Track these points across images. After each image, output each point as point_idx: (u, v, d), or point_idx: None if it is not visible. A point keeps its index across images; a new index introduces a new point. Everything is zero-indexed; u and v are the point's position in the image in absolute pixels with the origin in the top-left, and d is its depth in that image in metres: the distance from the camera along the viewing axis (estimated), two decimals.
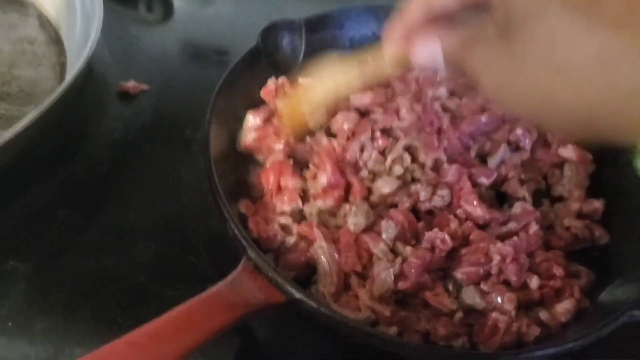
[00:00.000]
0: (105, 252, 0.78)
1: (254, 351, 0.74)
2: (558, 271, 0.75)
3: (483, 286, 0.72)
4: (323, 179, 0.80)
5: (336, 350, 0.73)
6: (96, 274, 0.76)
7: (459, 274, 0.74)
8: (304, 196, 0.81)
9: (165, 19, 1.17)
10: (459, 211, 0.80)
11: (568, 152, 0.88)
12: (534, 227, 0.78)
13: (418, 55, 0.60)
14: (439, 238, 0.75)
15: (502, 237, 0.77)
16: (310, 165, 0.83)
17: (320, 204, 0.79)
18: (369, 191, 0.82)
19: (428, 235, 0.75)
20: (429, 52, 0.58)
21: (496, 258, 0.73)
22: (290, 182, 0.79)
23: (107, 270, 0.77)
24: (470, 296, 0.72)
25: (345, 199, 0.80)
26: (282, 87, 0.91)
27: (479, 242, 0.76)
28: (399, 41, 0.62)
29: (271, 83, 0.90)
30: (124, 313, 0.73)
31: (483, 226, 0.79)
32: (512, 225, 0.79)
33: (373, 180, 0.83)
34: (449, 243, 0.74)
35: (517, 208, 0.81)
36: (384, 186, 0.81)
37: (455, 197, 0.81)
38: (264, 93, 0.90)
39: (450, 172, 0.83)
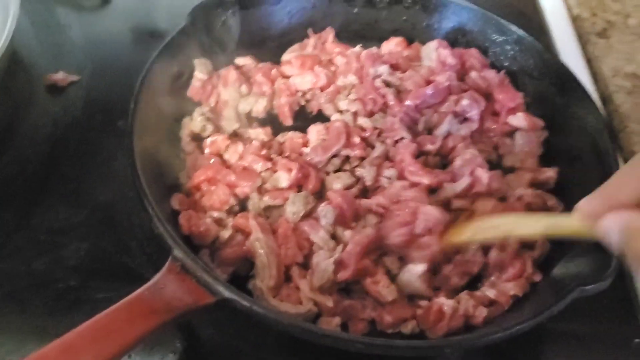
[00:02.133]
0: (35, 254, 0.75)
1: (197, 351, 0.70)
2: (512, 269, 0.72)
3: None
4: (284, 181, 0.76)
5: (281, 346, 0.70)
6: (26, 278, 0.73)
7: (390, 238, 0.71)
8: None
9: (103, 5, 1.11)
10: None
11: (518, 120, 0.85)
12: (480, 172, 0.76)
13: (604, 233, 0.53)
14: (374, 203, 0.73)
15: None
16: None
17: (270, 201, 0.76)
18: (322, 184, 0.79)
19: (365, 202, 0.74)
20: (616, 232, 0.52)
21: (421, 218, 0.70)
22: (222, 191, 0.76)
23: (37, 273, 0.73)
24: (409, 280, 0.69)
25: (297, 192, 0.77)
26: (210, 81, 0.86)
27: (409, 201, 0.73)
28: (595, 215, 0.54)
29: (196, 82, 0.86)
30: (55, 319, 0.69)
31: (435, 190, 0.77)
32: (462, 181, 0.76)
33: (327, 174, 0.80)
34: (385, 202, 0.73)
35: (458, 160, 0.79)
36: (336, 182, 0.78)
37: (400, 172, 0.78)
38: (191, 92, 0.85)
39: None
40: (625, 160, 0.84)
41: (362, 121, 0.83)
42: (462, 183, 0.75)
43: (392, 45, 0.95)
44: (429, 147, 0.81)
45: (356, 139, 0.80)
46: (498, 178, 0.77)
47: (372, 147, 0.81)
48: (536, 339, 0.72)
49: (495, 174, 0.77)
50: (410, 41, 0.96)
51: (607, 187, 0.54)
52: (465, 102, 0.84)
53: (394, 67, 0.89)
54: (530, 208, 0.79)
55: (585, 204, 0.56)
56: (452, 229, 0.72)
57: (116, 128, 0.87)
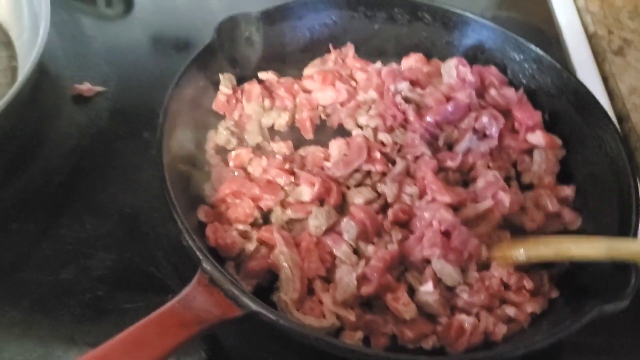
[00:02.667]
0: (62, 265, 0.76)
1: None
2: (528, 284, 0.73)
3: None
4: (306, 194, 0.78)
5: (303, 357, 0.71)
6: (53, 288, 0.74)
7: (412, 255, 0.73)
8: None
9: (125, 14, 1.13)
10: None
11: (537, 138, 0.86)
12: (502, 196, 0.77)
13: None
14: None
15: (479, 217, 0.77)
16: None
17: (292, 214, 0.77)
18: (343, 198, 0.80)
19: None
20: None
21: (435, 224, 0.73)
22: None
23: (63, 284, 0.74)
24: (425, 300, 0.71)
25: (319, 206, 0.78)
26: (234, 95, 0.88)
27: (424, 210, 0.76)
28: None
29: (221, 96, 0.87)
30: (82, 329, 0.71)
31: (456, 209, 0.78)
32: (485, 203, 0.78)
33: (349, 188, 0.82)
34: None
35: (480, 182, 0.80)
36: (358, 197, 0.79)
37: (422, 189, 0.79)
38: (216, 106, 0.87)
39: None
40: None
41: (383, 137, 0.85)
42: (485, 204, 0.77)
43: (412, 62, 0.96)
44: (450, 163, 0.83)
45: (377, 155, 0.81)
46: (519, 202, 0.79)
47: (393, 162, 0.82)
48: (554, 353, 0.73)
49: (516, 199, 0.78)
50: (429, 57, 0.97)
51: None
52: (485, 119, 0.85)
53: (414, 84, 0.91)
54: (549, 220, 0.81)
55: None
56: (504, 243, 0.74)
57: (142, 139, 0.88)
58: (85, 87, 0.93)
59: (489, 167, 0.85)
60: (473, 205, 0.77)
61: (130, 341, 0.57)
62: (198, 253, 0.64)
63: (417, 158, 0.83)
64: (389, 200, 0.78)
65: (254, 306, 0.61)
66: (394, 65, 0.94)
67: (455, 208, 0.77)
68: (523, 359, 0.64)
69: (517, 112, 0.88)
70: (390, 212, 0.76)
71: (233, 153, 0.83)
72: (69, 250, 0.77)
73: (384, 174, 0.81)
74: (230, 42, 0.87)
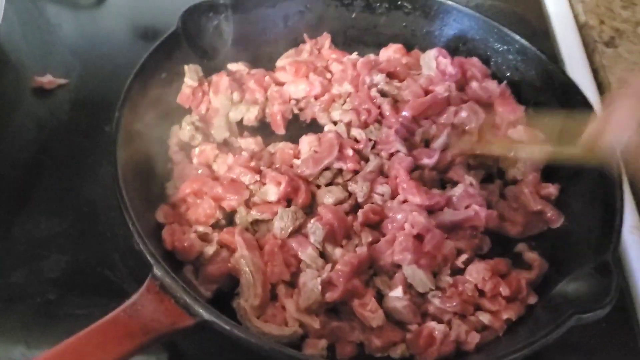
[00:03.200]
0: (14, 266, 0.72)
1: None
2: (504, 291, 0.69)
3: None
4: (272, 194, 0.74)
5: None
6: (3, 291, 0.70)
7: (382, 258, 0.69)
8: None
9: (99, 3, 1.08)
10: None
11: (518, 133, 0.82)
12: (477, 209, 0.73)
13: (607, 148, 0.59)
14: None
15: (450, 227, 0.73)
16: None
17: (258, 215, 0.73)
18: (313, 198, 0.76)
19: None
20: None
21: (407, 227, 0.70)
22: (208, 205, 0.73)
23: (15, 287, 0.71)
24: (394, 307, 0.67)
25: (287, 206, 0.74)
26: (201, 88, 0.84)
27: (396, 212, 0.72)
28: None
29: (186, 88, 0.83)
30: (31, 335, 0.67)
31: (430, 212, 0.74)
32: (461, 213, 0.74)
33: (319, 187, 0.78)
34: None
35: (458, 189, 0.76)
36: (328, 196, 0.75)
37: (394, 189, 0.75)
38: (180, 99, 0.83)
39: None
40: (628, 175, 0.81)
41: (356, 132, 0.81)
42: (461, 214, 0.73)
43: (391, 52, 0.92)
44: (426, 161, 0.79)
45: (349, 152, 0.77)
46: (494, 218, 0.75)
47: (366, 160, 0.78)
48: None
49: (491, 214, 0.75)
50: (409, 48, 0.93)
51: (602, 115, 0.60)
52: (464, 113, 0.81)
53: (392, 76, 0.86)
54: (531, 219, 0.77)
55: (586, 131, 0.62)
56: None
57: (103, 133, 0.84)
58: (47, 79, 0.89)
59: (469, 165, 0.81)
60: (450, 211, 0.73)
61: (68, 352, 0.53)
62: (149, 257, 0.60)
63: (391, 155, 0.79)
64: (359, 199, 0.74)
65: (206, 315, 0.57)
66: (370, 56, 0.90)
67: (429, 211, 0.73)
68: None
69: (499, 107, 0.84)
70: (360, 213, 0.72)
71: (197, 149, 0.78)
72: (21, 251, 0.74)
73: (356, 172, 0.77)
74: (196, 31, 0.83)
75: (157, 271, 0.59)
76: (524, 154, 0.72)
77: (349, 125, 0.82)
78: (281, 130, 0.84)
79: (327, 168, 0.77)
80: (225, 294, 0.68)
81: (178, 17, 0.81)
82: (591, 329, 0.69)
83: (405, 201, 0.73)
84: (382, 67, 0.87)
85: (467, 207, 0.74)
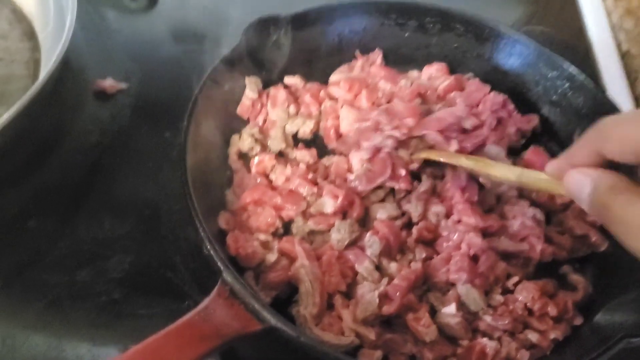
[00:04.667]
0: (79, 265, 0.75)
1: None
2: (552, 311, 0.71)
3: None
4: (329, 206, 0.76)
5: None
6: (68, 288, 0.73)
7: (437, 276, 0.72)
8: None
9: (148, 8, 1.11)
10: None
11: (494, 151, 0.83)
12: (534, 242, 0.75)
13: (568, 184, 0.56)
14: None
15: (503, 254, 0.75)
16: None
17: (314, 226, 0.76)
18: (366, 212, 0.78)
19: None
20: (577, 184, 0.54)
21: (464, 248, 0.72)
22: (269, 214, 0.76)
23: (80, 285, 0.73)
24: (447, 322, 0.69)
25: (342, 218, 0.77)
26: (260, 100, 0.86)
27: (451, 232, 0.75)
28: (558, 171, 0.58)
29: (246, 100, 0.86)
30: (96, 333, 0.70)
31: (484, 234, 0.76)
32: (519, 245, 0.76)
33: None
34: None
35: (517, 221, 0.77)
36: (381, 212, 0.77)
37: (449, 209, 0.77)
38: (240, 111, 0.86)
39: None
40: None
41: (403, 153, 0.82)
42: (517, 246, 0.75)
43: (433, 70, 0.94)
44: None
45: (402, 171, 0.79)
46: (549, 254, 0.77)
47: (418, 180, 0.81)
48: None
49: (546, 249, 0.76)
50: (459, 69, 0.95)
51: (569, 149, 0.57)
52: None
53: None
54: (577, 242, 0.79)
55: (550, 163, 0.60)
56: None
57: (163, 138, 0.87)
58: (108, 84, 0.92)
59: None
60: (506, 240, 0.75)
61: (148, 353, 0.55)
62: (219, 263, 0.63)
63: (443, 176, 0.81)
64: (414, 219, 0.77)
65: (274, 321, 0.59)
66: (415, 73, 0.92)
67: (482, 233, 0.75)
68: None
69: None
70: (415, 230, 0.75)
71: (256, 159, 0.81)
72: (85, 251, 0.76)
73: (408, 192, 0.79)
74: (258, 44, 0.86)
75: (227, 277, 0.62)
76: (494, 172, 0.71)
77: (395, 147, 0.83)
78: (333, 144, 0.87)
79: (379, 186, 0.79)
80: (282, 301, 0.71)
81: (242, 32, 0.83)
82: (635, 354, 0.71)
83: (459, 221, 0.75)
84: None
85: (523, 238, 0.76)
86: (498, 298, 0.71)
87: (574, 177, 0.55)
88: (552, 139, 0.90)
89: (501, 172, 0.70)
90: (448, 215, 0.77)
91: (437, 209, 0.77)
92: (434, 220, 0.76)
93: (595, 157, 0.53)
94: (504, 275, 0.73)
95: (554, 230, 0.80)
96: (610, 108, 0.85)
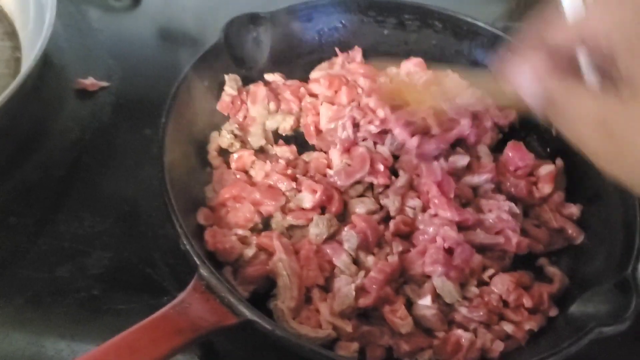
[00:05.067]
0: (58, 261, 0.75)
1: None
2: (527, 302, 0.72)
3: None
4: (307, 201, 0.77)
5: None
6: (48, 285, 0.73)
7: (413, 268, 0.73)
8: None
9: (132, 7, 1.12)
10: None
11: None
12: (510, 235, 0.76)
13: (513, 81, 0.54)
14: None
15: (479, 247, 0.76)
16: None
17: (293, 220, 0.76)
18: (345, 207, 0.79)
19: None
20: (523, 78, 0.53)
21: (439, 241, 0.72)
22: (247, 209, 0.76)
23: (59, 281, 0.74)
24: (423, 314, 0.70)
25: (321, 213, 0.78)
26: (239, 96, 0.87)
27: (428, 225, 0.75)
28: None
29: (226, 97, 0.86)
30: (76, 328, 0.70)
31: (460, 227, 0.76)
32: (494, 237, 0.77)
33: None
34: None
35: (492, 214, 0.78)
36: (360, 206, 0.78)
37: (425, 202, 0.78)
38: (220, 107, 0.86)
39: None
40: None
41: (382, 149, 0.83)
42: (493, 239, 0.76)
43: (411, 65, 0.95)
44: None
45: (380, 167, 0.80)
46: (525, 247, 0.77)
47: (396, 175, 0.82)
48: None
49: (523, 241, 0.77)
50: (438, 66, 0.96)
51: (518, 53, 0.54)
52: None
53: None
54: (553, 235, 0.80)
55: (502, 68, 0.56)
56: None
57: (144, 135, 0.88)
58: (89, 82, 0.92)
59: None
60: (482, 233, 0.76)
61: (123, 346, 0.56)
62: (195, 258, 0.63)
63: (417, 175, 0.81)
64: (392, 213, 0.77)
65: (250, 315, 0.60)
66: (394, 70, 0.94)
67: (459, 226, 0.76)
68: None
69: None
70: (392, 224, 0.76)
71: (235, 155, 0.82)
72: (65, 247, 0.76)
73: (386, 187, 0.80)
74: (237, 41, 0.86)
75: (203, 271, 0.62)
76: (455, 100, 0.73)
77: (375, 142, 0.84)
78: (314, 140, 0.87)
79: (358, 181, 0.80)
80: (260, 296, 0.71)
81: (221, 29, 0.84)
82: (607, 344, 0.72)
83: (435, 215, 0.76)
84: None
85: (499, 232, 0.77)
86: (474, 290, 0.72)
87: (513, 65, 0.53)
88: (530, 133, 0.90)
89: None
90: (425, 209, 0.78)
91: (413, 203, 0.78)
92: (411, 215, 0.77)
93: (539, 44, 0.52)
94: (480, 268, 0.74)
95: (531, 224, 0.81)
96: None
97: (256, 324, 0.60)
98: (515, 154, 0.85)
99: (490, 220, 0.77)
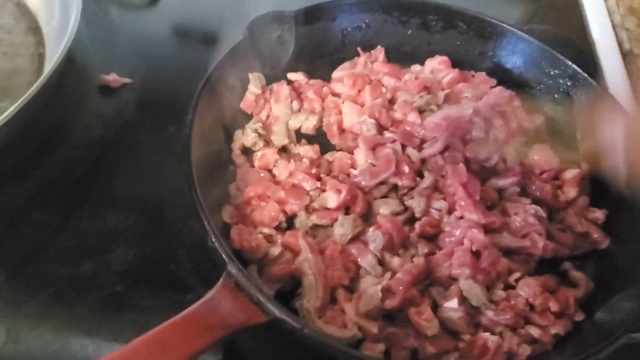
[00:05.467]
0: (82, 257, 0.75)
1: None
2: (554, 306, 0.72)
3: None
4: (332, 201, 0.76)
5: None
6: (72, 281, 0.73)
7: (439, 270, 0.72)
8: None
9: (152, 3, 1.12)
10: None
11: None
12: (536, 239, 0.76)
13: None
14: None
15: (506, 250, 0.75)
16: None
17: (317, 220, 0.76)
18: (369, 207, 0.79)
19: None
20: None
21: (466, 243, 0.72)
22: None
23: (83, 277, 0.73)
24: (449, 317, 0.69)
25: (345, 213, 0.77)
26: (263, 95, 0.87)
27: (454, 227, 0.75)
28: None
29: (250, 95, 0.86)
30: (100, 324, 0.70)
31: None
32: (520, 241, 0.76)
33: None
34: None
35: (519, 217, 0.78)
36: (384, 207, 0.78)
37: (451, 203, 0.78)
38: (244, 106, 0.86)
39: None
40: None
41: (410, 152, 0.83)
42: (519, 242, 0.75)
43: (435, 63, 0.95)
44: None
45: (405, 168, 0.79)
46: (551, 250, 0.77)
47: (421, 176, 0.81)
48: None
49: (548, 245, 0.76)
50: (461, 67, 0.96)
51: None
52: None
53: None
54: (578, 239, 0.79)
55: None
56: None
57: (167, 133, 0.87)
58: (112, 78, 0.92)
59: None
60: (509, 236, 0.76)
61: (155, 342, 0.55)
62: (224, 256, 0.63)
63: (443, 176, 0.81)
64: (417, 214, 0.77)
65: (279, 313, 0.60)
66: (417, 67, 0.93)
67: (485, 229, 0.75)
68: None
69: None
70: (417, 225, 0.75)
71: (259, 153, 0.82)
72: (89, 244, 0.76)
73: (411, 188, 0.80)
74: (261, 40, 0.86)
75: (232, 269, 0.62)
76: None
77: (404, 145, 0.84)
78: (336, 140, 0.87)
79: (383, 182, 0.80)
80: (285, 294, 0.71)
81: (245, 27, 0.84)
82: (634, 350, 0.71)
83: (462, 217, 0.76)
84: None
85: (525, 235, 0.76)
86: (500, 293, 0.72)
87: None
88: (554, 137, 0.90)
89: None
90: (450, 211, 0.77)
91: (439, 204, 0.77)
92: (436, 216, 0.77)
93: None
94: (506, 271, 0.73)
95: (556, 228, 0.80)
96: (612, 106, 0.86)
97: (285, 322, 0.60)
98: (541, 157, 0.84)
99: (517, 224, 0.77)
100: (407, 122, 0.83)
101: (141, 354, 0.54)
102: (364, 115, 0.85)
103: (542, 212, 0.79)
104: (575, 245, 0.79)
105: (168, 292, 0.72)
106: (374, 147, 0.81)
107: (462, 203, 0.76)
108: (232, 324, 0.59)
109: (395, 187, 0.80)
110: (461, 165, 0.79)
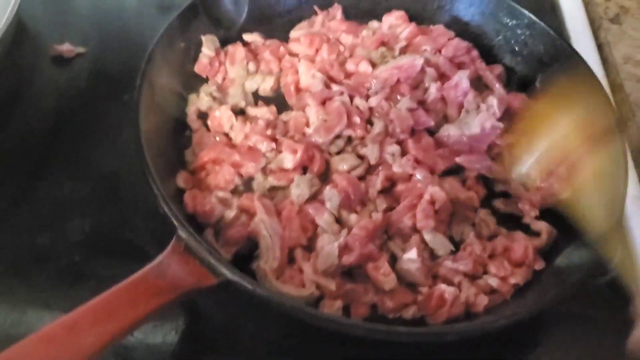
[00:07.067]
0: (39, 228, 0.74)
1: (200, 329, 0.71)
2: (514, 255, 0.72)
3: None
4: (288, 162, 0.76)
5: (283, 326, 0.70)
6: (29, 252, 0.73)
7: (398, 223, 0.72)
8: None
9: None
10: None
11: None
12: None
13: None
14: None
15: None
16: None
17: (274, 182, 0.75)
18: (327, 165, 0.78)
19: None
20: None
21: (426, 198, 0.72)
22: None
23: (40, 248, 0.73)
24: (407, 269, 0.69)
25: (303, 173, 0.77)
26: (217, 58, 0.85)
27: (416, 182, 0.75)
28: None
29: (204, 58, 0.85)
30: (58, 295, 0.70)
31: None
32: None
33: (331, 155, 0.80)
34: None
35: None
36: (341, 163, 0.77)
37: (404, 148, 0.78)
38: (198, 69, 0.85)
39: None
40: (633, 152, 0.84)
41: (359, 102, 0.82)
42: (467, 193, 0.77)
43: (393, 19, 0.93)
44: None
45: (357, 119, 0.79)
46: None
47: (371, 124, 0.81)
48: (535, 323, 0.72)
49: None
50: (419, 21, 0.94)
51: None
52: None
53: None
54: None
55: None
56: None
57: (122, 101, 0.85)
58: (66, 48, 0.91)
59: None
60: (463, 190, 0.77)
61: (100, 308, 0.55)
62: (174, 220, 0.63)
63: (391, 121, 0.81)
64: (371, 162, 0.77)
65: (230, 275, 0.60)
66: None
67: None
68: (505, 331, 0.64)
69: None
70: (378, 182, 0.75)
71: (217, 113, 0.80)
72: (46, 214, 0.76)
73: (363, 138, 0.79)
74: (213, 2, 0.85)
75: (182, 233, 0.62)
76: None
77: (352, 96, 0.83)
78: (294, 100, 0.86)
79: (338, 136, 0.79)
80: (244, 257, 0.71)
81: None
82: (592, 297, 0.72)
83: (416, 160, 0.76)
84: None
85: None
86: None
87: None
88: (514, 88, 0.89)
89: None
90: (403, 153, 0.77)
91: (392, 149, 0.77)
92: (390, 160, 0.77)
93: None
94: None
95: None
96: (570, 54, 0.85)
97: (237, 284, 0.60)
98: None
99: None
100: (358, 73, 0.82)
101: (87, 319, 0.54)
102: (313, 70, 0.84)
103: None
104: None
105: (126, 261, 0.70)
106: (323, 102, 0.80)
107: (413, 152, 0.77)
108: (181, 287, 0.59)
109: (350, 141, 0.80)
110: (404, 109, 0.79)
